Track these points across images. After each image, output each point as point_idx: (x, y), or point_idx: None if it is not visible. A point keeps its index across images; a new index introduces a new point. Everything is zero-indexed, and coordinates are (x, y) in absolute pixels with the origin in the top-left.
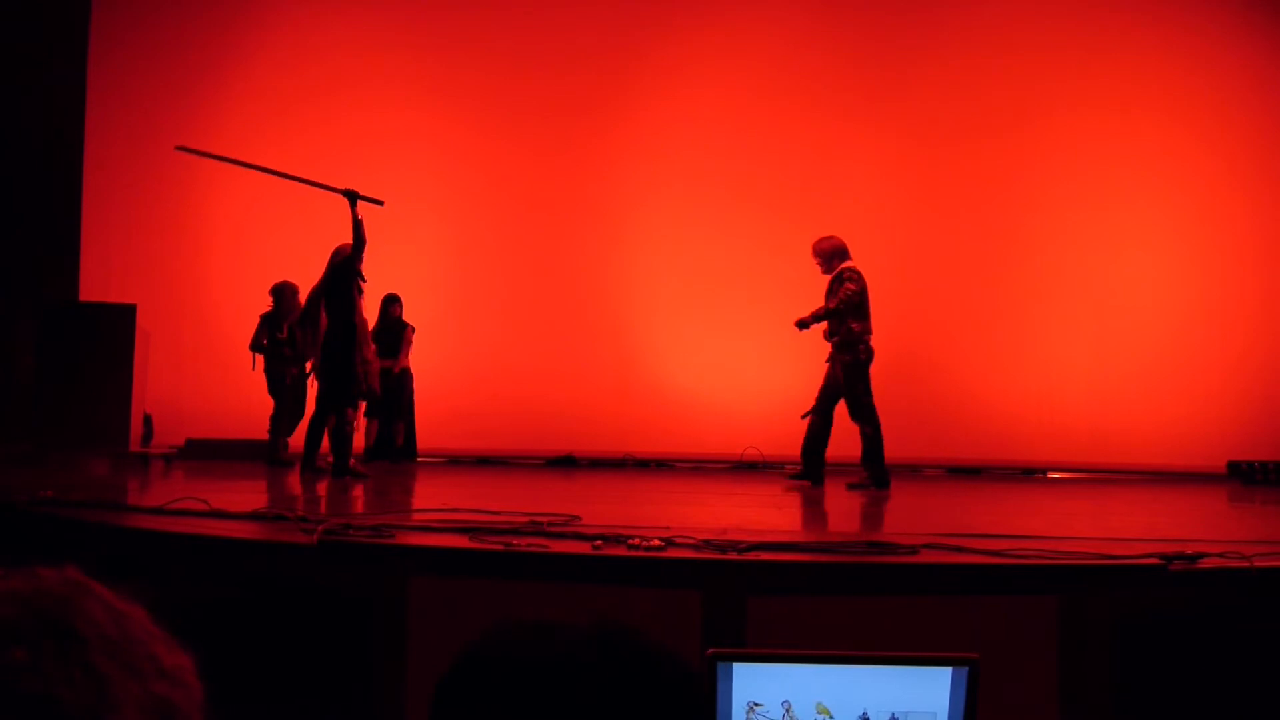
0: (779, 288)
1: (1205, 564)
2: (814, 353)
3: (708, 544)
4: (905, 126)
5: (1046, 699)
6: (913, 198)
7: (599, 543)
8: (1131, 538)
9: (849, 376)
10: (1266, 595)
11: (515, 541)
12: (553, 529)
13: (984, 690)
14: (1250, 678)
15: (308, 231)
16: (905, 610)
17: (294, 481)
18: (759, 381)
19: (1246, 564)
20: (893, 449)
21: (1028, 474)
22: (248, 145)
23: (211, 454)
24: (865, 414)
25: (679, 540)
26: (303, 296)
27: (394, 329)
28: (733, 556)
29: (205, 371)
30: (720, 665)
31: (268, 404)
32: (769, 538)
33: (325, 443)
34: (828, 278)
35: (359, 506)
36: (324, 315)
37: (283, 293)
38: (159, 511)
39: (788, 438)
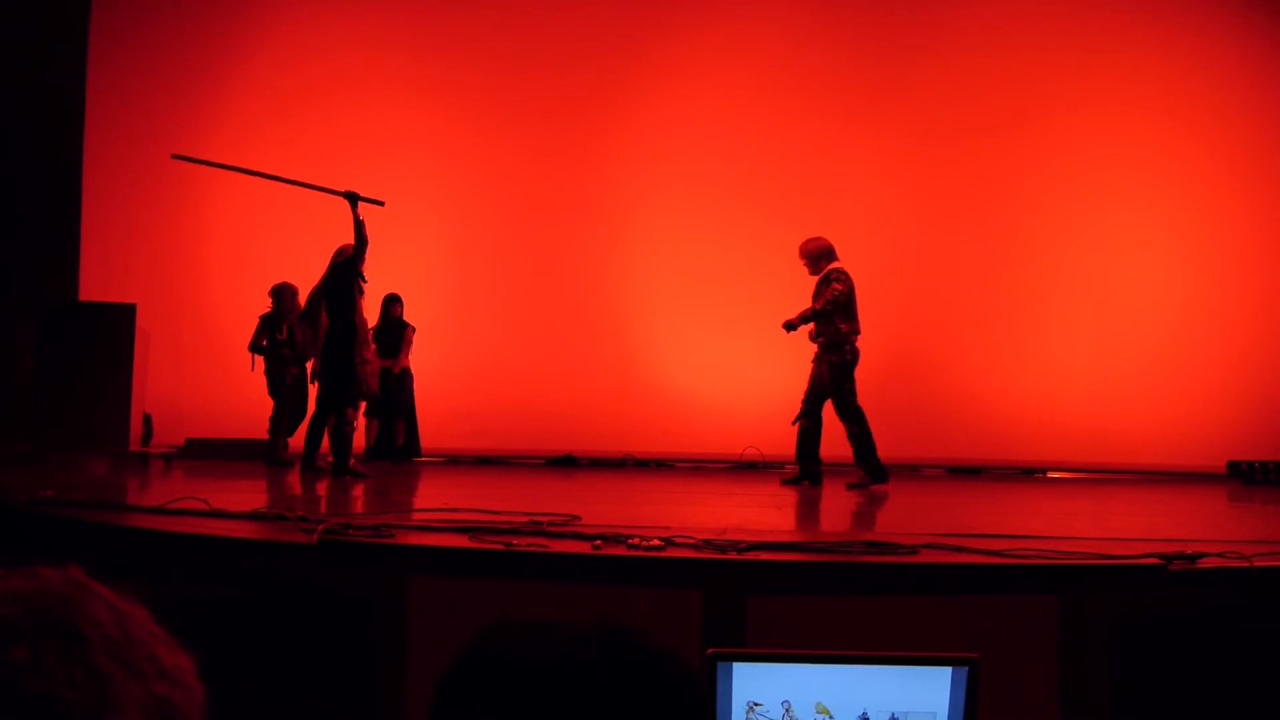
0: (779, 288)
1: (1205, 564)
2: (813, 352)
3: (707, 544)
4: (905, 126)
5: (1046, 699)
6: (913, 198)
7: (599, 543)
8: (1131, 538)
9: (835, 376)
10: (1266, 595)
11: (515, 541)
12: (553, 529)
13: (984, 690)
14: (1250, 678)
15: (307, 232)
16: (905, 610)
17: (294, 481)
18: (759, 381)
19: (1246, 564)
20: (893, 449)
21: (1028, 474)
22: (248, 145)
23: (211, 454)
24: (851, 413)
25: (679, 540)
26: (303, 297)
27: (394, 329)
28: (732, 556)
29: (205, 371)
30: (720, 665)
31: (268, 404)
32: (769, 538)
33: (325, 443)
34: (817, 278)
35: (359, 506)
36: (324, 315)
37: (282, 294)
38: (159, 511)
39: (787, 438)
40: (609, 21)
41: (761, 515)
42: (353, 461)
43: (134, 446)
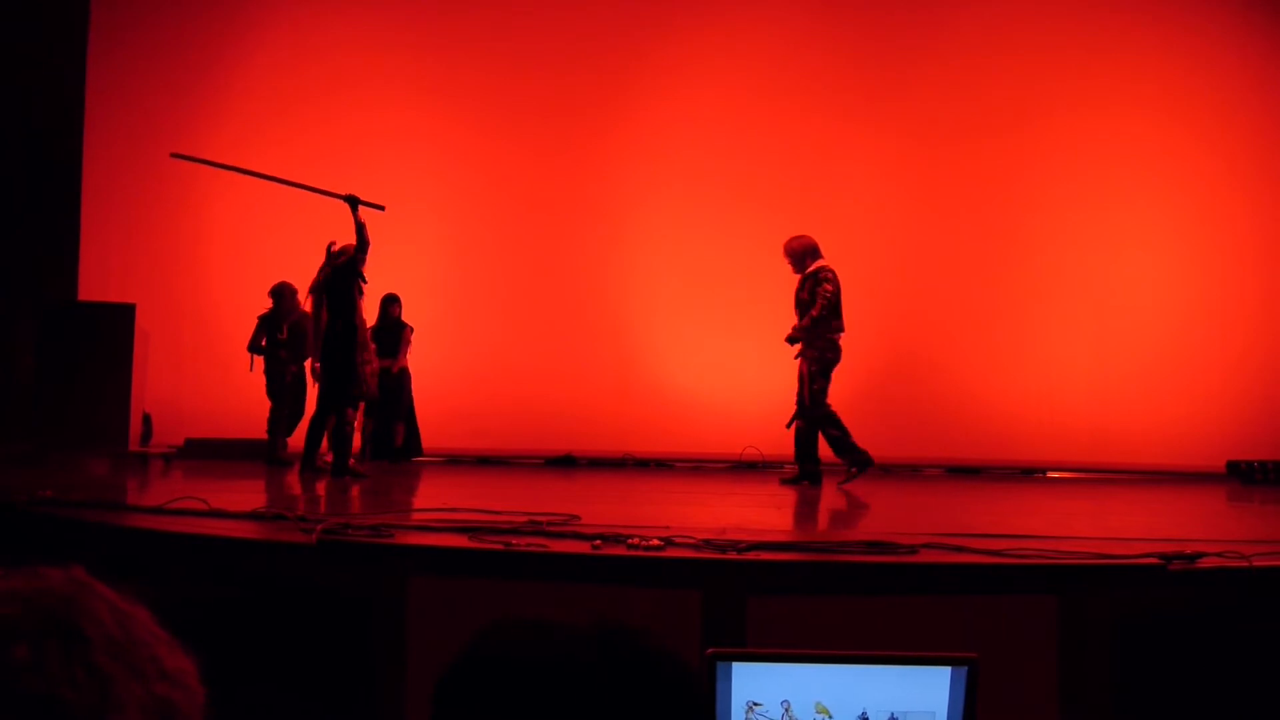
0: (779, 288)
1: (1204, 564)
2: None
3: (707, 544)
4: (905, 126)
5: (1046, 699)
6: (913, 198)
7: (598, 542)
8: (1131, 537)
9: (810, 372)
10: (1265, 595)
11: (515, 541)
12: (552, 529)
13: (984, 690)
14: (1250, 678)
15: (307, 232)
16: (905, 610)
17: (293, 481)
18: (758, 381)
19: (1245, 564)
20: (893, 449)
21: (1027, 474)
22: (248, 145)
23: (211, 454)
24: (819, 410)
25: (678, 540)
26: (301, 296)
27: (393, 329)
28: (732, 556)
29: (205, 371)
30: (720, 665)
31: (267, 404)
32: (769, 537)
33: (324, 442)
34: (799, 276)
35: (358, 506)
36: (324, 313)
37: (282, 294)
38: (158, 511)
39: (786, 437)
40: (609, 21)
41: (761, 515)
42: (352, 461)
43: (134, 446)
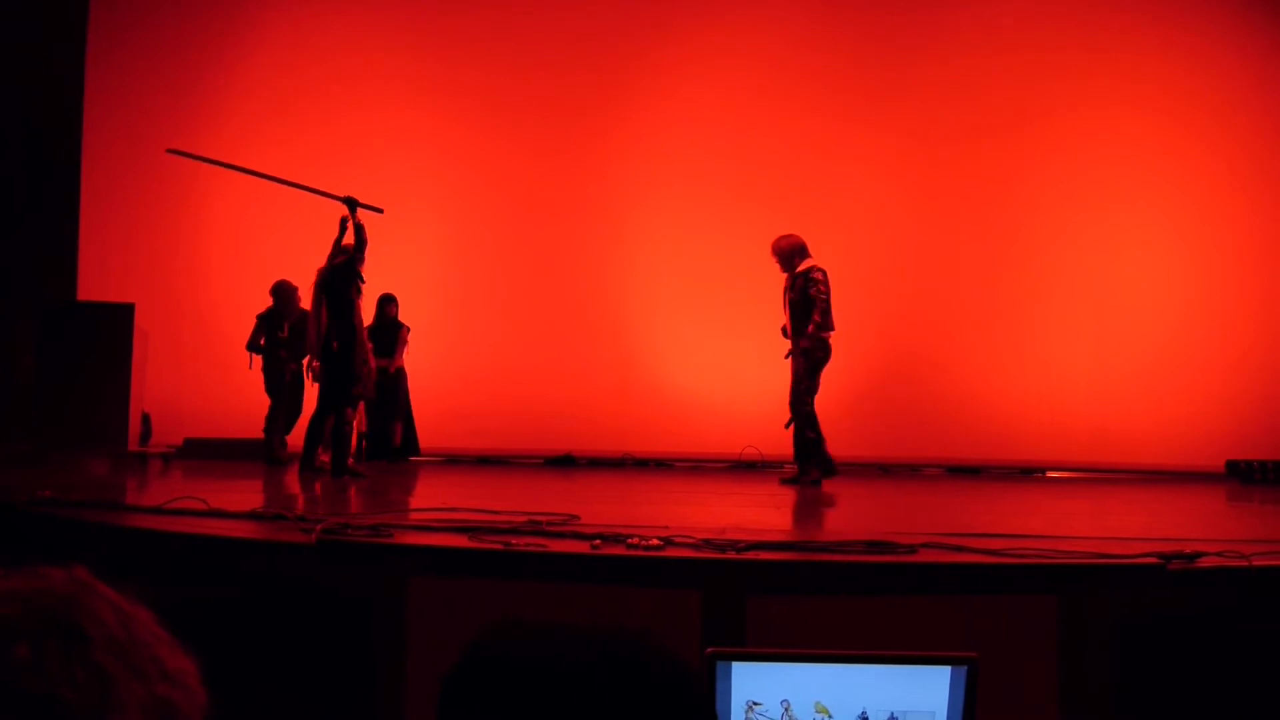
0: (779, 288)
1: (1204, 563)
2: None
3: (707, 543)
4: (905, 126)
5: (1046, 699)
6: (913, 198)
7: (598, 542)
8: (1130, 537)
9: (799, 371)
10: (1265, 594)
11: (514, 541)
12: (552, 528)
13: (984, 690)
14: (1250, 677)
15: (306, 231)
16: (904, 610)
17: (292, 481)
18: (758, 381)
19: (1245, 563)
20: (893, 449)
21: (1027, 474)
22: (248, 145)
23: (210, 453)
24: (802, 409)
25: (678, 540)
26: (301, 296)
27: (390, 329)
28: (732, 556)
29: (204, 371)
30: (719, 664)
31: (266, 403)
32: (768, 537)
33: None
34: (787, 276)
35: (357, 506)
36: (324, 313)
37: (281, 292)
38: (158, 511)
39: (786, 437)
40: (609, 21)
41: (761, 515)
42: (351, 461)
43: (133, 446)
